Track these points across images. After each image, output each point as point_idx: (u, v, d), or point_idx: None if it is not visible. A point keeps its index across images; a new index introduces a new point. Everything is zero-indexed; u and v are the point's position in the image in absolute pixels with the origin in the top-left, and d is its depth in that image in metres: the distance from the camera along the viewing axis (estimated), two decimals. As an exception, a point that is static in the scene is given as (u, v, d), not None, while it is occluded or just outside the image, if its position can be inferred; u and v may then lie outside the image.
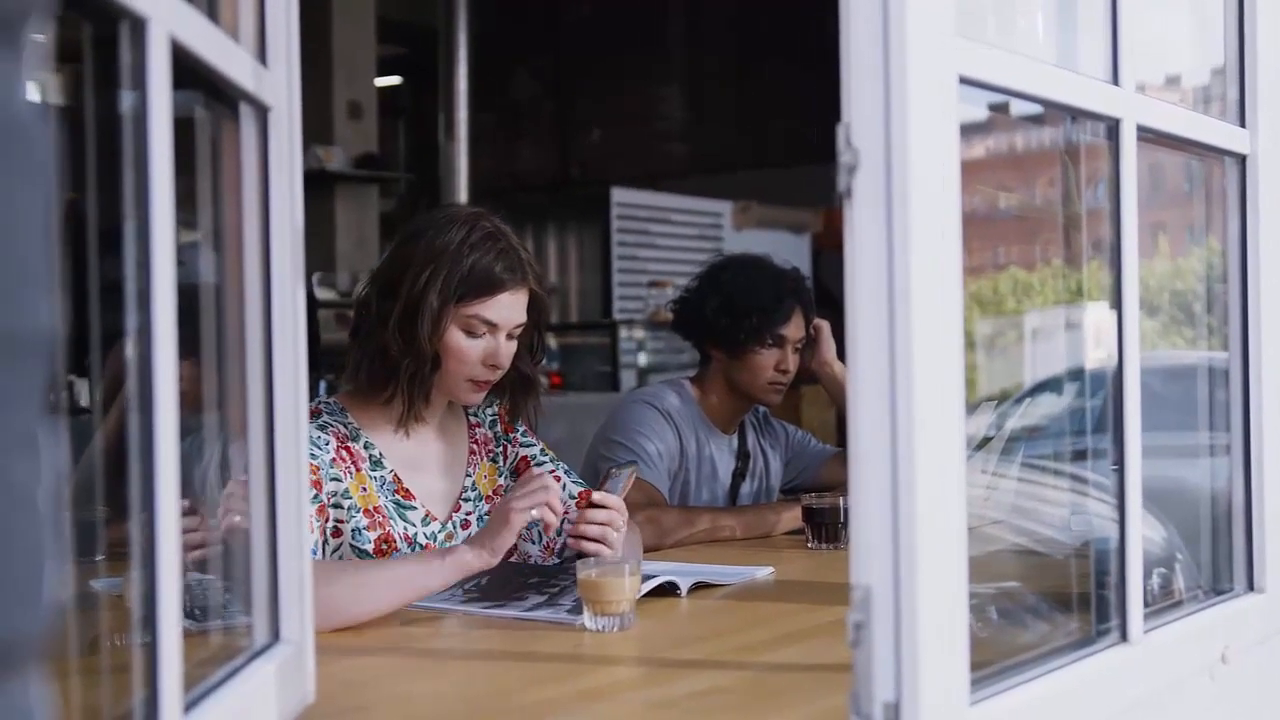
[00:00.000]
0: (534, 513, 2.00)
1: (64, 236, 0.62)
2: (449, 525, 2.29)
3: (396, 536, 2.20)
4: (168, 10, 1.03)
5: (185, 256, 1.09)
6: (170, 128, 1.03)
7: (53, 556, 0.57)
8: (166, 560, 1.02)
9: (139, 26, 1.00)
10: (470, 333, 2.20)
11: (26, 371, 0.55)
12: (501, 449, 2.43)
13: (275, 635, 1.38)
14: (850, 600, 1.19)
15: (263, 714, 1.29)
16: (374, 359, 2.21)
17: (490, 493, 2.37)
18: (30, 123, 0.57)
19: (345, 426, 2.23)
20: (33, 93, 0.58)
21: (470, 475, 2.36)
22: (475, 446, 2.39)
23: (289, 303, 1.38)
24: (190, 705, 1.10)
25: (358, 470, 2.20)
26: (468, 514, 2.33)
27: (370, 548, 2.16)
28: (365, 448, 2.23)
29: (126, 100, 1.01)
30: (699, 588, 2.19)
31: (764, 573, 2.37)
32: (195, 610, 1.34)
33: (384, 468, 2.23)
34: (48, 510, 0.57)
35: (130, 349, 1.01)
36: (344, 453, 2.19)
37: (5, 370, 0.54)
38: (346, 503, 2.16)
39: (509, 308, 2.22)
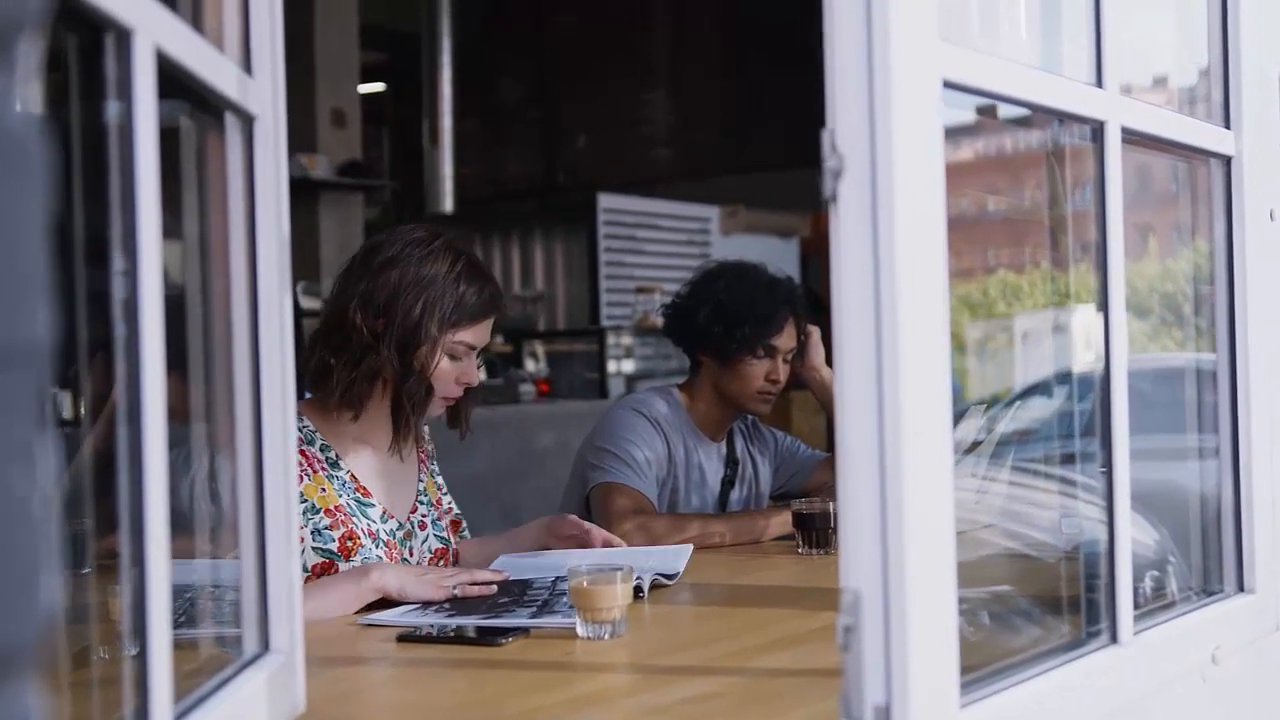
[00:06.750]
0: (456, 591, 2.14)
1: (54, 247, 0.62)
2: (407, 524, 2.40)
3: (360, 533, 2.28)
4: (153, 21, 1.03)
5: (169, 267, 1.09)
6: (156, 138, 1.03)
7: (49, 566, 0.57)
8: (156, 572, 1.01)
9: (124, 37, 1.00)
10: (453, 356, 2.32)
11: (23, 381, 0.56)
12: (436, 465, 2.57)
13: (265, 645, 1.38)
14: (840, 604, 1.19)
15: (253, 725, 1.28)
16: (364, 381, 2.28)
17: (435, 501, 2.50)
18: (26, 134, 0.57)
19: (301, 431, 2.28)
20: (26, 104, 0.59)
21: (422, 481, 2.48)
22: (424, 457, 2.52)
23: (275, 313, 1.38)
24: (180, 716, 1.10)
25: (315, 473, 2.27)
26: (423, 516, 2.45)
27: (335, 546, 2.24)
28: (321, 450, 2.31)
29: (112, 110, 1.01)
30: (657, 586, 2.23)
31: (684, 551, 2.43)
32: (180, 619, 1.34)
33: (342, 469, 2.31)
34: (44, 520, 0.57)
35: (117, 360, 1.01)
36: (299, 456, 2.23)
37: (3, 380, 0.54)
38: (302, 505, 2.22)
39: (487, 331, 2.37)
